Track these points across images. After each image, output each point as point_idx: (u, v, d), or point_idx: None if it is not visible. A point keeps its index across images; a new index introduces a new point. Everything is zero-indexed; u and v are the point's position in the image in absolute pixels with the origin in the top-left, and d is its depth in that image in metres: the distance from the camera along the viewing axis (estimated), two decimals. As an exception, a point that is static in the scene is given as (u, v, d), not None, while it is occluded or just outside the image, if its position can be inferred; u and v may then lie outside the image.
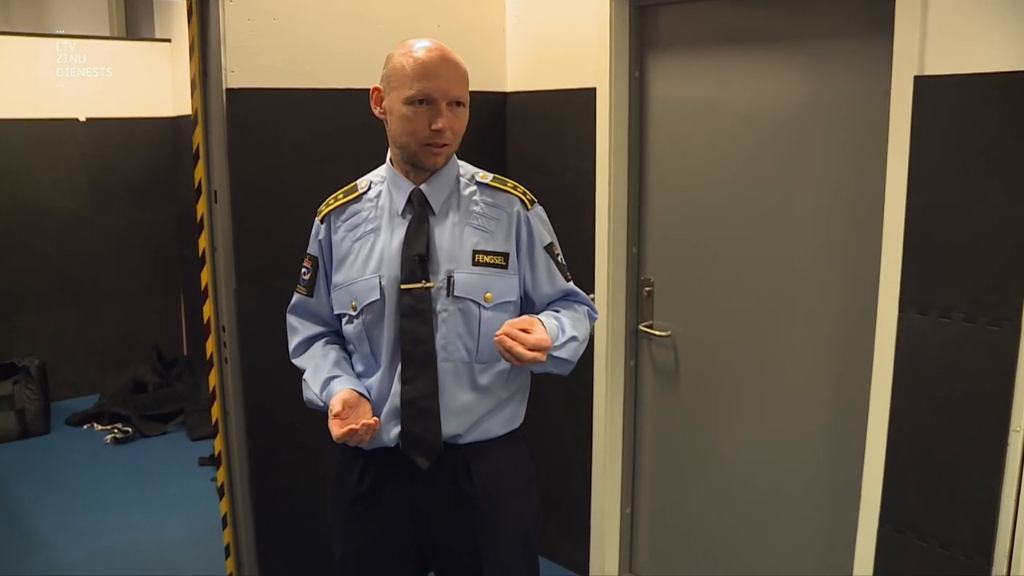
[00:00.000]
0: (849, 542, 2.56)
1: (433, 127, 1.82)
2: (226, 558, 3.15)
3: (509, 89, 3.45)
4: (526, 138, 3.44)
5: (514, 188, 2.00)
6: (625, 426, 3.28)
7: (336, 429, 1.75)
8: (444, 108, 1.83)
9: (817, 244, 2.69)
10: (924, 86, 2.22)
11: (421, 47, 1.84)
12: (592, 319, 2.06)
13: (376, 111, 1.93)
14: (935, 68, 2.20)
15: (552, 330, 1.85)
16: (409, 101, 1.82)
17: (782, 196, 2.75)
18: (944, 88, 2.19)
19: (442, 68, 1.83)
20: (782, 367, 2.83)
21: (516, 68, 3.42)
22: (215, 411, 3.05)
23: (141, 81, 5.81)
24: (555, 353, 1.85)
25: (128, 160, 5.82)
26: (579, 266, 3.17)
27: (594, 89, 3.09)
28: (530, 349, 1.73)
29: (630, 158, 3.12)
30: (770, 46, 2.76)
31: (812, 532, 2.81)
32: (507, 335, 1.74)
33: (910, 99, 2.24)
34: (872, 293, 2.42)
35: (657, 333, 3.13)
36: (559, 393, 3.33)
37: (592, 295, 3.17)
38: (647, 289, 3.15)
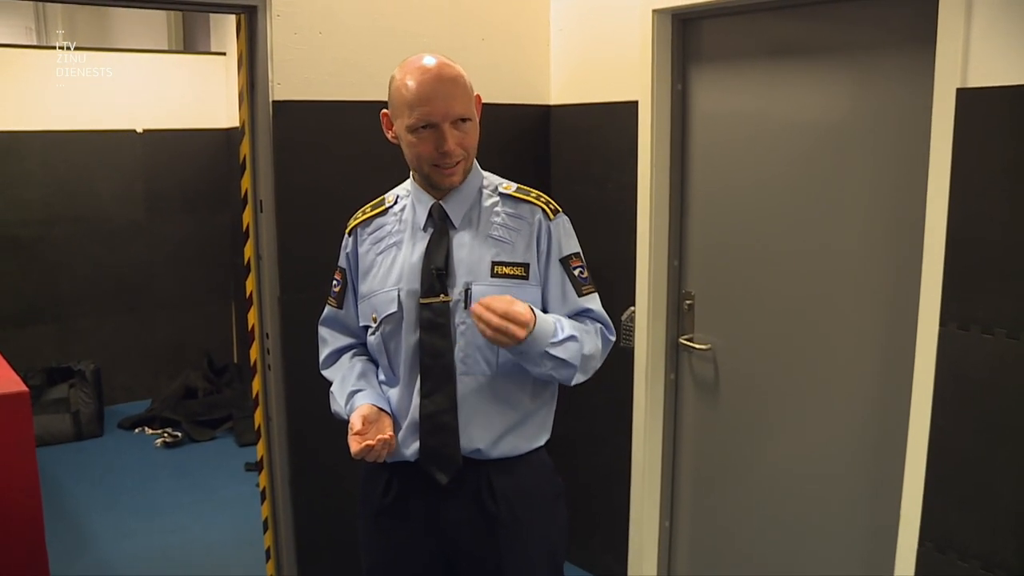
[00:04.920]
0: (889, 559, 2.52)
1: (440, 150, 1.81)
2: (267, 561, 3.20)
3: (553, 102, 3.47)
4: (569, 150, 3.46)
5: (537, 198, 1.96)
6: (665, 439, 3.26)
7: (354, 446, 1.75)
8: (448, 129, 1.80)
9: (858, 258, 2.66)
10: (966, 98, 2.19)
11: (416, 69, 1.80)
12: (606, 339, 1.98)
13: (388, 135, 1.93)
14: (978, 80, 2.16)
15: (547, 323, 1.79)
16: (412, 129, 1.81)
17: (823, 210, 2.73)
18: (987, 100, 2.16)
19: (439, 89, 1.78)
20: (822, 381, 2.80)
21: (560, 81, 3.44)
22: (258, 416, 3.11)
23: (197, 93, 5.96)
24: (552, 351, 1.79)
25: (184, 170, 5.97)
26: (620, 278, 3.19)
27: (636, 102, 3.10)
28: (501, 317, 1.68)
29: (672, 171, 3.11)
30: (812, 58, 2.74)
31: (852, 548, 2.77)
32: (480, 303, 1.70)
33: (952, 112, 2.21)
34: (913, 307, 2.38)
35: (697, 346, 3.12)
36: (600, 405, 3.33)
37: (632, 307, 3.18)
38: (688, 302, 3.14)
